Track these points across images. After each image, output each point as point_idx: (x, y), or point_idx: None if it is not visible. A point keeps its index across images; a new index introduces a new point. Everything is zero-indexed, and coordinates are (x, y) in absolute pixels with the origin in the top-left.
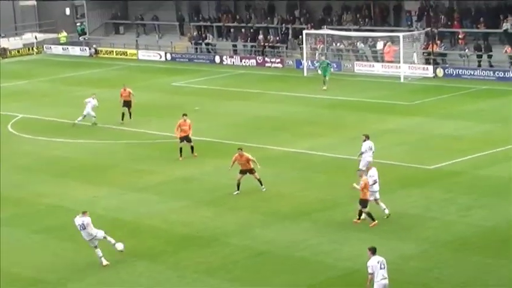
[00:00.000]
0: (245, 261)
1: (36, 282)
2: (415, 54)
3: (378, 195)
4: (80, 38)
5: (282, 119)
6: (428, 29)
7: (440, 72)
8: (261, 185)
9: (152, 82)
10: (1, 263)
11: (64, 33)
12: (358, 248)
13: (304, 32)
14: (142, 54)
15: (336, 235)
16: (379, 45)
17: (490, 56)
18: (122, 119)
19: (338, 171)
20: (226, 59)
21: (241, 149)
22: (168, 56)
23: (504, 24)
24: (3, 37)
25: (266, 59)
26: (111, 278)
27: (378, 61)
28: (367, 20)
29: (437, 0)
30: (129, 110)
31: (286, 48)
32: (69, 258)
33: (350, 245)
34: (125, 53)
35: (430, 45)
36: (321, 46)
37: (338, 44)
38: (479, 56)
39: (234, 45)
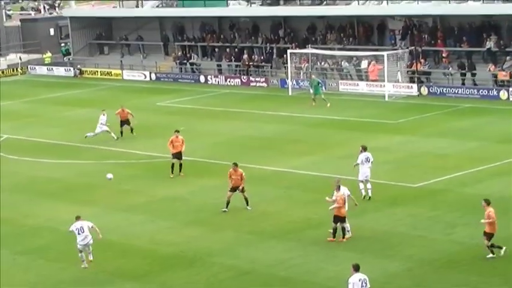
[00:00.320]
0: (230, 280)
1: None
2: (399, 72)
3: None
4: (65, 58)
5: (267, 138)
6: (412, 47)
7: (424, 90)
8: (247, 204)
9: (137, 102)
10: None
11: (49, 54)
12: (344, 267)
13: (289, 51)
14: (127, 74)
15: (321, 254)
16: (364, 64)
17: (473, 75)
18: (121, 135)
19: (323, 190)
20: (211, 78)
21: (236, 164)
22: (153, 76)
23: (487, 42)
24: None
25: (251, 78)
26: None
27: (362, 80)
28: (351, 39)
29: (421, 19)
30: (129, 125)
31: (271, 67)
32: (54, 278)
33: (336, 264)
34: (109, 73)
35: (414, 63)
36: (306, 65)
37: (322, 63)
38: (463, 75)
39: (219, 65)
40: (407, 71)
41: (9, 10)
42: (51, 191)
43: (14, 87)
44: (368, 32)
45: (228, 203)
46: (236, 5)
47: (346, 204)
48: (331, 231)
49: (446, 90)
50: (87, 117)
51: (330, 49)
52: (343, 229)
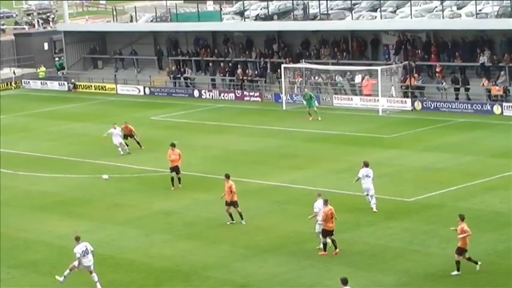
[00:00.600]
0: None
1: None
2: (393, 87)
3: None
4: (59, 72)
5: (261, 152)
6: (406, 62)
7: (418, 105)
8: (241, 218)
9: (131, 116)
10: None
11: (43, 68)
12: (338, 281)
13: (283, 66)
14: (121, 89)
15: (316, 268)
16: (357, 78)
17: (467, 89)
18: (127, 146)
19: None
20: (205, 93)
21: (227, 176)
22: (147, 90)
23: (481, 57)
24: None
25: (245, 92)
26: None
27: (356, 94)
28: (345, 53)
29: (415, 34)
30: (133, 138)
31: (265, 82)
32: None
33: (330, 278)
34: (103, 88)
35: (408, 78)
36: (300, 80)
37: (316, 78)
38: (457, 89)
39: (213, 79)
40: (401, 86)
41: (3, 24)
42: (45, 204)
43: (8, 101)
44: (362, 46)
45: (230, 215)
46: (230, 20)
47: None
48: (321, 246)
49: (440, 105)
50: (81, 131)
51: (324, 64)
52: (333, 242)
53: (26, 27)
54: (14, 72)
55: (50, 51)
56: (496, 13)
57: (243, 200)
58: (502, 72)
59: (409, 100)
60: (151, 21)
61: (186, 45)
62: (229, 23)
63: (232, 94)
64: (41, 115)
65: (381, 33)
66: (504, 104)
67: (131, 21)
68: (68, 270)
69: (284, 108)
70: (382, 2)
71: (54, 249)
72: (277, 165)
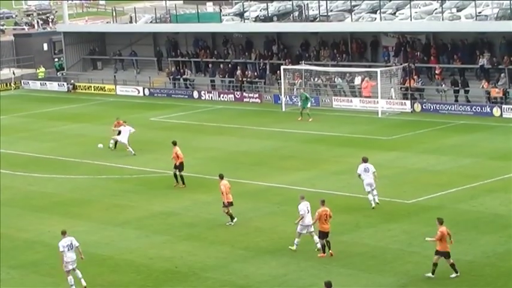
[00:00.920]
0: None
1: None
2: (392, 89)
3: (311, 229)
4: (58, 73)
5: (260, 153)
6: (406, 64)
7: (417, 107)
8: (231, 219)
9: (130, 117)
10: None
11: (42, 69)
12: (338, 283)
13: (282, 67)
14: (121, 90)
15: (315, 269)
16: (357, 80)
17: (467, 91)
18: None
19: (316, 206)
20: (205, 94)
21: (221, 177)
22: (146, 91)
23: (480, 59)
24: None
25: (244, 94)
26: None
27: (355, 96)
28: (344, 55)
29: (414, 36)
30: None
31: (264, 83)
32: None
33: (330, 280)
34: (103, 88)
35: (408, 80)
36: (299, 81)
37: (316, 79)
38: (456, 91)
39: (212, 81)
40: (401, 88)
41: (2, 25)
42: (45, 205)
43: (7, 101)
44: (361, 48)
45: (230, 216)
46: (230, 21)
47: (310, 218)
48: (320, 247)
49: (439, 107)
50: (80, 132)
51: (324, 65)
52: (328, 243)
53: (26, 27)
54: (13, 73)
55: (50, 51)
56: (495, 15)
57: (243, 201)
58: (502, 75)
59: (408, 102)
60: (151, 22)
61: (185, 46)
62: (229, 24)
63: (232, 95)
64: (40, 116)
65: (380, 35)
66: (504, 106)
67: (131, 22)
68: (69, 278)
69: (283, 109)
70: (381, 3)
71: (53, 250)
72: (276, 166)
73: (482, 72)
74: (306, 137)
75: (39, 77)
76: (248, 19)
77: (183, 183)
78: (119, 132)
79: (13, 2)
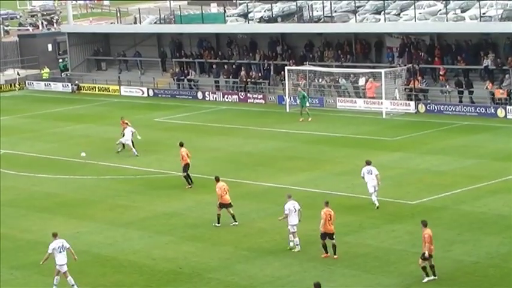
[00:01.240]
0: None
1: None
2: (396, 90)
3: (295, 229)
4: (62, 74)
5: (264, 154)
6: (410, 65)
7: (422, 108)
8: (219, 222)
9: (135, 118)
10: None
11: (46, 69)
12: (341, 284)
13: (286, 68)
14: (125, 90)
15: (319, 270)
16: (361, 81)
17: (471, 92)
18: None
19: (320, 207)
20: (209, 94)
21: (216, 179)
22: (151, 92)
23: (485, 60)
24: None
25: (248, 94)
26: None
27: (360, 97)
28: (348, 56)
29: (418, 36)
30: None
31: (269, 84)
32: None
33: (333, 281)
34: (107, 89)
35: (412, 81)
36: (303, 82)
37: (320, 80)
38: (461, 92)
39: (216, 81)
40: (405, 89)
41: (7, 26)
42: (49, 206)
43: (11, 102)
44: (366, 49)
45: (233, 216)
46: (234, 22)
47: (297, 217)
48: (290, 245)
49: (443, 108)
50: (84, 132)
51: (328, 66)
52: (334, 247)
53: (30, 28)
54: (17, 73)
55: (54, 52)
56: (500, 16)
57: (246, 202)
58: (507, 76)
59: (412, 103)
60: (155, 23)
61: (189, 47)
62: (233, 25)
63: (236, 96)
64: (44, 116)
65: (384, 35)
66: (508, 107)
67: (135, 22)
68: (55, 278)
69: (287, 110)
70: (386, 4)
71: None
72: (280, 167)
73: (487, 73)
74: (310, 138)
75: (44, 77)
76: (252, 20)
77: (188, 183)
78: (123, 134)
79: (17, 2)
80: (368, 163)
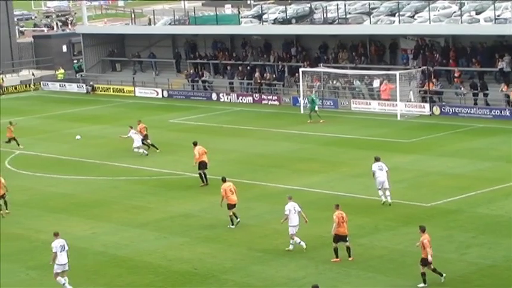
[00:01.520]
0: None
1: None
2: (411, 92)
3: (295, 230)
4: (77, 75)
5: (278, 155)
6: (424, 67)
7: (436, 110)
8: (233, 222)
9: (149, 119)
10: None
11: (61, 70)
12: (357, 285)
13: (301, 69)
14: (139, 91)
15: (334, 272)
16: (376, 83)
17: (486, 95)
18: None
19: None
20: (223, 96)
21: (223, 180)
22: (165, 93)
23: (500, 63)
24: (0, 73)
25: (263, 96)
26: None
27: (374, 99)
28: (363, 58)
29: (433, 39)
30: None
31: (283, 85)
32: None
33: (348, 283)
34: (121, 90)
35: (426, 83)
36: (318, 84)
37: (334, 82)
38: (476, 95)
39: (231, 83)
40: (420, 91)
41: (22, 27)
42: (64, 206)
43: (26, 103)
44: (380, 51)
45: (231, 220)
46: (248, 23)
47: (297, 218)
48: (290, 247)
49: (458, 110)
50: (99, 133)
51: (342, 68)
52: (348, 249)
53: (45, 29)
54: (33, 74)
55: (69, 53)
56: None
57: (261, 204)
58: None
59: (427, 105)
60: (170, 24)
61: (204, 48)
62: (248, 27)
63: (250, 97)
64: (59, 117)
65: (399, 37)
66: None
67: (150, 24)
68: (57, 279)
69: (302, 111)
70: (400, 6)
71: (72, 251)
72: (294, 168)
73: (502, 76)
74: (325, 140)
75: (59, 78)
76: (267, 21)
77: (202, 182)
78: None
79: (32, 3)
80: (377, 159)
